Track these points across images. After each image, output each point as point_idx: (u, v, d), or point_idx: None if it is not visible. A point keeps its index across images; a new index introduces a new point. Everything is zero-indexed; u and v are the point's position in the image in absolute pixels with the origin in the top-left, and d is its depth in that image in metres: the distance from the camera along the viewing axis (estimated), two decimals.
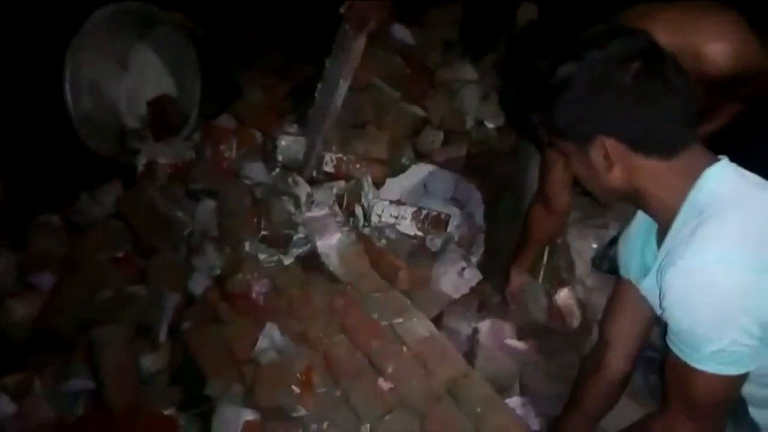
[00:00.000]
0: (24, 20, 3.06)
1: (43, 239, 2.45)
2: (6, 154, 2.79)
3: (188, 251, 2.24)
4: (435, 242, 2.00)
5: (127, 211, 2.44)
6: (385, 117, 2.25)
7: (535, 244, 1.77)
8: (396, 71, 2.41)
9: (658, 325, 1.24)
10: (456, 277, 1.86)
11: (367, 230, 1.98)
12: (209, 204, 2.28)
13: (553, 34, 1.32)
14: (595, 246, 1.76)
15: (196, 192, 2.35)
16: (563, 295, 1.75)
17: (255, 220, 2.05)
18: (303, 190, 2.05)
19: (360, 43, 1.99)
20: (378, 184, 2.15)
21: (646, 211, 1.06)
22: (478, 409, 1.45)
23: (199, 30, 2.80)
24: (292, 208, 2.02)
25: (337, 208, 2.01)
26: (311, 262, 1.92)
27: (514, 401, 1.62)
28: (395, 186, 2.24)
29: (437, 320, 1.79)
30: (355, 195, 2.04)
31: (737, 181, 0.95)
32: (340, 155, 2.14)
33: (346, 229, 1.92)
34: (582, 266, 1.77)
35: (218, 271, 2.07)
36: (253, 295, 1.90)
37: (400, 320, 1.67)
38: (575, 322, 1.74)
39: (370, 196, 2.05)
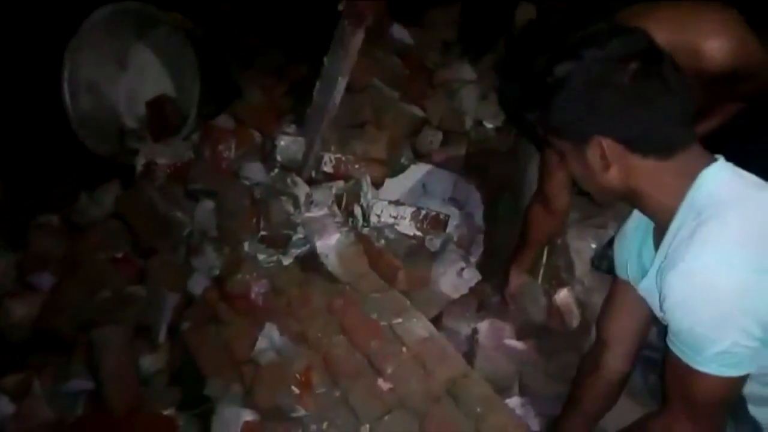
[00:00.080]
0: (23, 20, 3.05)
1: (42, 239, 2.44)
2: (5, 155, 2.79)
3: (187, 251, 2.24)
4: (434, 242, 2.00)
5: (126, 212, 2.44)
6: (384, 117, 2.25)
7: (534, 244, 1.77)
8: (395, 71, 2.41)
9: (656, 325, 1.24)
10: (455, 278, 1.86)
11: (366, 230, 1.98)
12: (208, 204, 2.28)
13: (552, 32, 1.32)
14: (594, 246, 1.76)
15: (195, 192, 2.35)
16: (562, 296, 1.75)
17: (254, 220, 2.05)
18: (302, 190, 2.05)
19: (358, 38, 1.99)
20: (377, 185, 2.15)
21: (643, 211, 1.05)
22: (478, 410, 1.45)
23: (198, 30, 2.80)
24: (291, 209, 2.02)
25: (336, 208, 2.01)
26: (310, 262, 1.92)
27: (514, 401, 1.62)
28: (394, 186, 2.24)
29: (436, 320, 1.79)
30: (354, 195, 2.04)
31: (735, 181, 0.95)
32: (339, 155, 2.14)
33: (345, 229, 1.92)
34: (581, 266, 1.77)
35: (217, 272, 2.07)
36: (252, 296, 1.90)
37: (400, 320, 1.67)
38: (575, 322, 1.74)
39: (369, 196, 2.05)
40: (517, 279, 1.81)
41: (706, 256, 0.89)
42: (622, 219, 1.24)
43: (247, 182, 2.21)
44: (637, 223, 1.15)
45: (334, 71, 2.06)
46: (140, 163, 2.53)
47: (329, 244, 1.88)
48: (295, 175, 2.11)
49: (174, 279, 2.17)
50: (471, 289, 1.88)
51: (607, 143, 0.94)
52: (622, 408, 1.35)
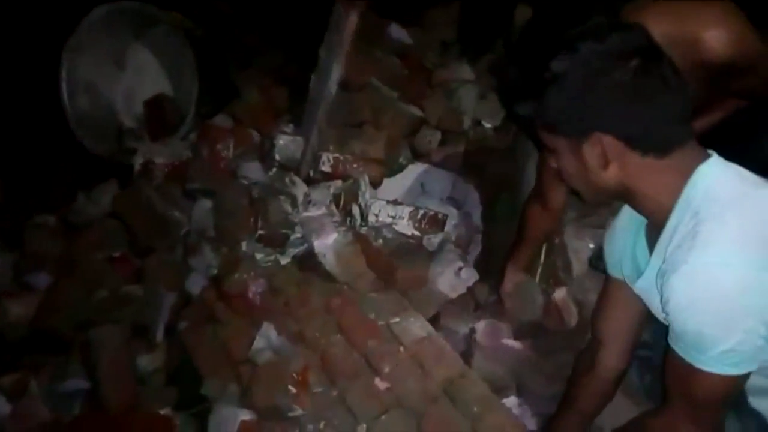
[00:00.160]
0: (21, 20, 3.05)
1: (39, 239, 2.44)
2: (3, 154, 2.79)
3: (185, 251, 2.24)
4: (432, 242, 2.00)
5: (124, 211, 2.44)
6: (382, 117, 2.25)
7: (531, 241, 1.77)
8: (393, 71, 2.41)
9: (652, 323, 1.24)
10: (453, 277, 1.86)
11: (364, 230, 1.97)
12: (206, 204, 2.27)
13: (553, 27, 1.32)
14: (591, 246, 1.76)
15: (192, 192, 2.35)
16: (560, 295, 1.75)
17: (252, 219, 2.05)
18: (300, 189, 2.05)
19: (351, 21, 1.98)
20: (375, 184, 2.15)
21: (638, 209, 1.04)
22: (475, 409, 1.45)
23: (197, 30, 2.80)
24: (289, 208, 2.02)
25: (334, 207, 2.01)
26: (308, 261, 1.92)
27: (511, 401, 1.62)
28: (392, 186, 2.23)
29: (434, 320, 1.79)
30: (352, 195, 2.04)
31: (731, 178, 0.95)
32: (337, 155, 2.14)
33: (343, 228, 1.92)
34: (579, 266, 1.77)
35: (215, 271, 2.06)
36: (250, 295, 1.90)
37: (397, 320, 1.67)
38: (572, 321, 1.74)
39: (367, 195, 2.04)
40: (513, 277, 1.80)
41: (708, 257, 0.89)
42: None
43: (245, 182, 2.21)
44: (628, 220, 1.15)
45: (329, 59, 2.05)
46: (138, 162, 2.53)
47: (327, 243, 1.87)
48: (293, 175, 2.11)
49: (171, 278, 2.17)
50: (469, 289, 1.88)
51: (607, 140, 0.94)
52: (619, 408, 1.35)
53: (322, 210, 1.97)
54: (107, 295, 2.22)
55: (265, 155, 2.27)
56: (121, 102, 3.06)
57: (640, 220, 1.10)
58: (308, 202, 2.01)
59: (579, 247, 1.75)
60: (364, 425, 1.51)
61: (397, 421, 1.49)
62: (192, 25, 2.81)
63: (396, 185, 2.25)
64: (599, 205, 1.73)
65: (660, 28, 0.96)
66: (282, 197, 2.04)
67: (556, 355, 1.72)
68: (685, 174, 0.95)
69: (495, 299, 1.89)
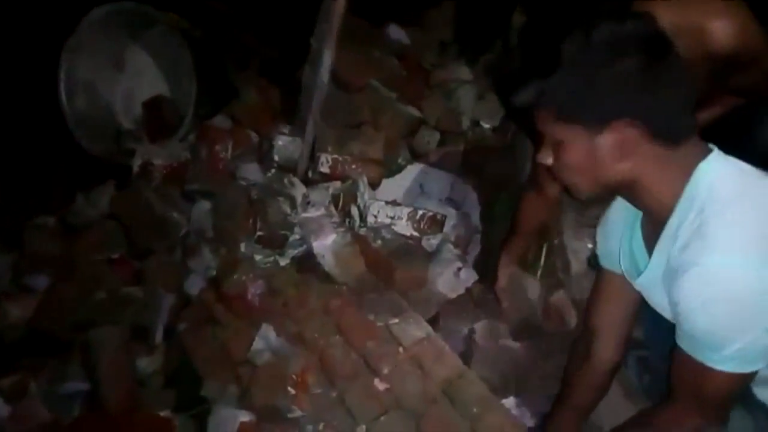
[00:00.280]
0: (19, 20, 3.05)
1: (38, 240, 2.44)
2: (1, 155, 2.78)
3: (184, 252, 2.24)
4: (431, 243, 2.00)
5: (123, 212, 2.44)
6: (381, 117, 2.25)
7: (525, 232, 1.77)
8: (392, 72, 2.41)
9: (645, 322, 1.24)
10: (452, 278, 1.86)
11: (362, 231, 1.98)
12: (205, 205, 2.27)
13: (564, 18, 1.33)
14: (590, 246, 1.76)
15: (191, 193, 2.35)
16: (559, 296, 1.75)
17: (251, 220, 2.04)
18: (299, 190, 2.05)
19: (339, 4, 1.97)
20: (374, 185, 2.15)
21: (637, 203, 1.04)
22: (474, 410, 1.45)
23: (195, 30, 2.80)
24: (287, 209, 2.02)
25: (332, 208, 2.01)
26: (307, 262, 1.92)
27: (510, 401, 1.62)
28: (391, 186, 2.24)
29: (433, 321, 1.79)
30: (351, 195, 2.04)
31: (733, 174, 0.95)
32: (336, 156, 2.14)
33: (342, 229, 1.92)
34: (578, 266, 1.77)
35: (214, 272, 2.06)
36: (249, 296, 1.90)
37: (396, 321, 1.67)
38: (571, 322, 1.74)
39: (366, 196, 2.04)
40: (506, 268, 1.80)
41: (717, 257, 0.89)
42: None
43: (243, 183, 2.20)
44: (620, 213, 1.15)
45: (320, 47, 2.05)
46: (137, 163, 2.53)
47: (326, 244, 1.87)
48: (292, 176, 2.11)
49: (170, 280, 2.17)
50: (468, 290, 1.88)
51: (628, 129, 0.91)
52: (618, 408, 1.36)
53: (321, 211, 1.97)
54: (106, 297, 2.21)
55: (263, 156, 2.27)
56: (119, 103, 3.05)
57: (635, 214, 1.10)
58: (307, 203, 2.01)
59: (578, 248, 1.75)
60: (364, 426, 1.51)
61: (396, 422, 1.50)
62: (189, 26, 2.80)
63: (395, 186, 2.25)
64: (590, 204, 1.71)
65: (666, 17, 0.96)
66: (281, 198, 2.04)
67: (555, 355, 1.72)
68: (688, 170, 0.94)
69: (491, 297, 1.89)
